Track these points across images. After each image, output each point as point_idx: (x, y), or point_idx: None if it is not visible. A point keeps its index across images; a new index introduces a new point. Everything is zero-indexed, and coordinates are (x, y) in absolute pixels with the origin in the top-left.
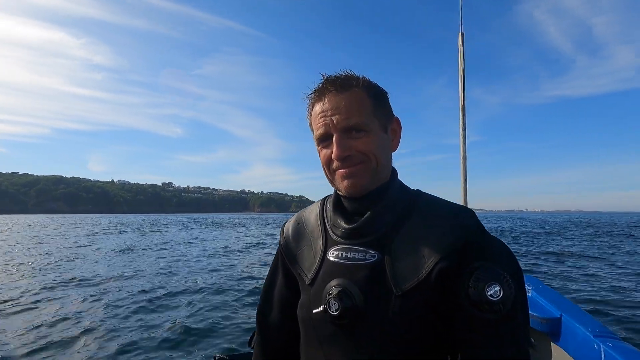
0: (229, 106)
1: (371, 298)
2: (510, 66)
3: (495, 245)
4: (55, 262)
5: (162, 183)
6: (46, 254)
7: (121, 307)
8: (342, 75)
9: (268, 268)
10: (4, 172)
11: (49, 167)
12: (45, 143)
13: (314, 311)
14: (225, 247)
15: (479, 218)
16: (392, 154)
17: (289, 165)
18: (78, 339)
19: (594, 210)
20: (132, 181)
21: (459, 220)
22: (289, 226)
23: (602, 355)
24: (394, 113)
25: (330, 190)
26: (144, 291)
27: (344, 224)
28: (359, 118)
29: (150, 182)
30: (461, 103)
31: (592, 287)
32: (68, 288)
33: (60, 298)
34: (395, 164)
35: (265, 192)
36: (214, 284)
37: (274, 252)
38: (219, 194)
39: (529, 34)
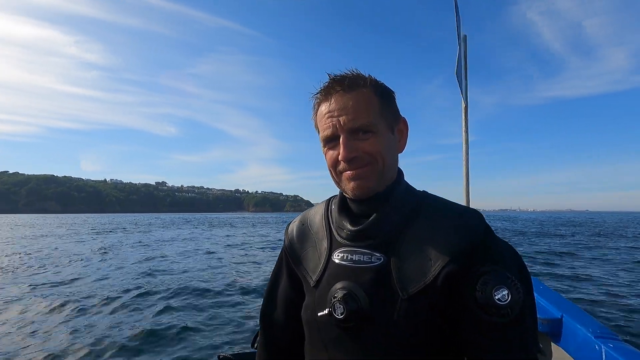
0: (224, 105)
1: (377, 301)
2: (505, 67)
3: (503, 247)
4: (26, 264)
5: (155, 182)
6: (20, 254)
7: (93, 309)
8: (348, 74)
9: (254, 267)
10: None
11: (41, 166)
12: (37, 142)
13: (319, 314)
14: (209, 247)
15: None
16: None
17: (284, 164)
18: (60, 342)
19: (585, 209)
20: (125, 180)
21: (466, 222)
22: (294, 227)
23: (603, 356)
24: (400, 113)
25: (327, 190)
26: (126, 291)
27: (349, 226)
28: (367, 119)
29: (143, 182)
30: (464, 104)
31: (588, 287)
32: (42, 290)
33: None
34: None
35: (259, 192)
36: (196, 283)
37: (258, 251)
38: (213, 194)
39: (523, 35)
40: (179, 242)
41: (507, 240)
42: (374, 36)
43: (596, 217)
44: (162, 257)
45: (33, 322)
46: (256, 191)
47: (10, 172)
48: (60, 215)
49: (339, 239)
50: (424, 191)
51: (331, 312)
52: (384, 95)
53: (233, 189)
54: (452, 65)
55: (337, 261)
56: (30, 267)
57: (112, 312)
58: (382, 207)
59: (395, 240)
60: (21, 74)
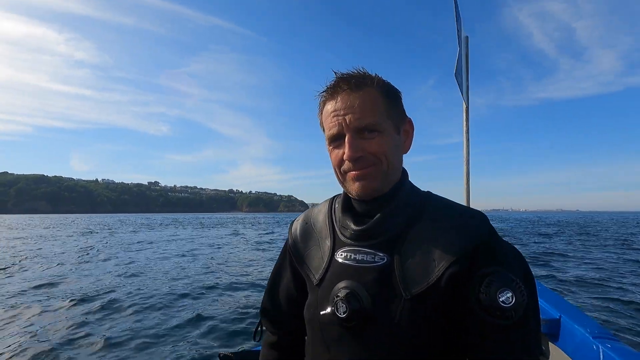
0: (216, 105)
1: (379, 301)
2: (497, 68)
3: (507, 249)
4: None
5: (148, 182)
6: None
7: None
8: (355, 73)
9: (236, 267)
10: None
11: (30, 166)
12: (27, 141)
13: (322, 313)
14: (194, 248)
15: None
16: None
17: (277, 164)
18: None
19: (575, 209)
20: (117, 180)
21: (470, 223)
22: (297, 226)
23: (601, 356)
24: (406, 114)
25: (321, 190)
26: (95, 294)
27: (353, 225)
28: (373, 118)
29: (136, 182)
30: (464, 107)
31: (584, 287)
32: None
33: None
34: None
35: (253, 192)
36: (179, 285)
37: (239, 251)
38: (206, 194)
39: (514, 37)
40: (161, 242)
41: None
42: (367, 37)
43: (587, 217)
44: (138, 259)
45: None
46: (250, 191)
47: None
48: (50, 216)
49: (342, 238)
50: (428, 191)
51: (334, 311)
52: (391, 95)
53: (227, 189)
54: (444, 67)
55: (340, 260)
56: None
57: (84, 315)
58: (386, 207)
59: (399, 240)
60: (10, 72)
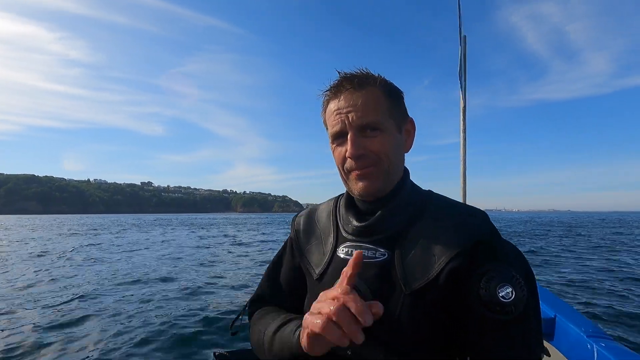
0: (211, 105)
1: (380, 296)
2: (491, 70)
3: (508, 248)
4: None
5: (141, 183)
6: None
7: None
8: (358, 73)
9: (231, 266)
10: None
11: (21, 165)
12: (17, 141)
13: None
14: (183, 248)
15: None
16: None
17: (272, 164)
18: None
19: (567, 210)
20: (110, 180)
21: (471, 222)
22: (300, 220)
23: (595, 355)
24: (408, 114)
25: (317, 191)
26: (81, 297)
27: (355, 222)
28: (375, 117)
29: (128, 182)
30: (462, 105)
31: (581, 287)
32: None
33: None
34: None
35: (248, 192)
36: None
37: (231, 251)
38: (200, 194)
39: (508, 39)
40: (142, 244)
41: None
42: (364, 37)
43: (578, 217)
44: (124, 260)
45: None
46: (244, 191)
47: None
48: (39, 216)
49: (344, 234)
50: (429, 190)
51: None
52: (393, 95)
53: (221, 189)
54: (439, 68)
55: (342, 256)
56: None
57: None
58: (388, 205)
59: (400, 237)
60: (1, 71)
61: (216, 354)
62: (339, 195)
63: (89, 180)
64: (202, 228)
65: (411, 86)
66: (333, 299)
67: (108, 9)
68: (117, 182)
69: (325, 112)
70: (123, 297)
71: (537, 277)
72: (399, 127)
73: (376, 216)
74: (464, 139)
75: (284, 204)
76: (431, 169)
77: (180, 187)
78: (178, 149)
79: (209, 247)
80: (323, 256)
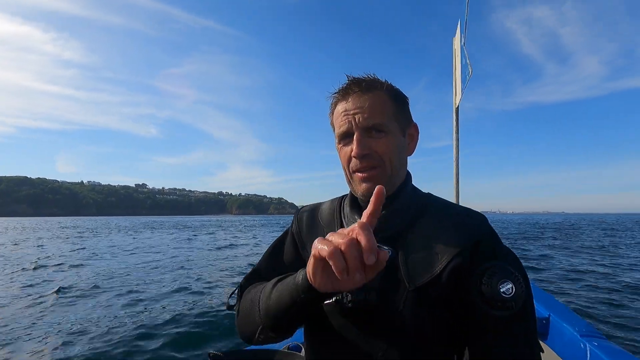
0: (207, 106)
1: (384, 292)
2: (485, 72)
3: (506, 250)
4: None
5: (135, 184)
6: None
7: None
8: (366, 77)
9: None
10: None
11: (14, 167)
12: (9, 142)
13: (325, 302)
14: (179, 249)
15: None
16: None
17: (268, 166)
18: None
19: (561, 211)
20: (104, 182)
21: (470, 222)
22: (303, 215)
23: (588, 354)
24: (413, 119)
25: (312, 193)
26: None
27: (359, 220)
28: (381, 119)
29: (122, 184)
30: (455, 105)
31: (575, 287)
32: None
33: None
34: None
35: (243, 194)
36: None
37: (228, 252)
38: (195, 196)
39: (502, 42)
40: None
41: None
42: (359, 39)
43: (571, 218)
44: (115, 258)
45: None
46: (240, 193)
47: None
48: (29, 219)
49: None
50: (428, 193)
51: (338, 300)
52: (398, 100)
53: (216, 192)
54: (435, 70)
55: None
56: None
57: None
58: (391, 205)
59: (403, 235)
60: None
61: (211, 354)
62: (343, 196)
63: (82, 182)
64: (194, 230)
65: (408, 88)
66: (348, 233)
67: (103, 9)
68: (111, 184)
69: (333, 113)
70: (112, 299)
71: (530, 277)
72: (403, 131)
73: (380, 216)
74: (457, 140)
75: (280, 206)
76: (427, 170)
77: (175, 189)
78: (173, 150)
79: (201, 249)
80: None
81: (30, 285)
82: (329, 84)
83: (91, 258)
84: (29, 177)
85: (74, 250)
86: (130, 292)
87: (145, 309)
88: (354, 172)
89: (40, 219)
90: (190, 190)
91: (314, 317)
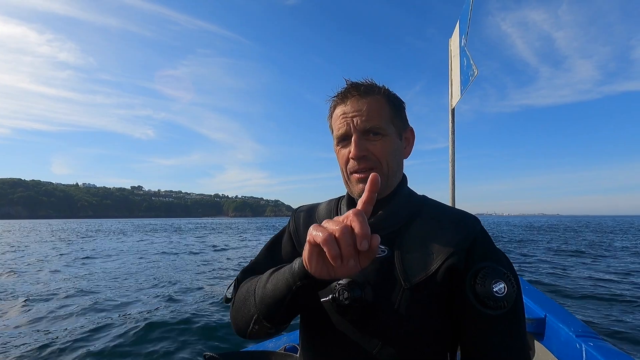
0: (203, 108)
1: (380, 290)
2: (480, 75)
3: (498, 251)
4: None
5: (131, 187)
6: None
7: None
8: (364, 82)
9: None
10: None
11: (8, 169)
12: (4, 144)
13: (322, 300)
14: (174, 251)
15: None
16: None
17: (264, 169)
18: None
19: (556, 213)
20: (99, 184)
21: (465, 223)
22: (301, 214)
23: (584, 355)
24: (409, 123)
25: (309, 195)
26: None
27: None
28: (378, 122)
29: (118, 186)
30: (451, 107)
31: (570, 288)
32: None
33: None
34: None
35: (239, 196)
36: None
37: (224, 253)
38: (191, 198)
39: (497, 46)
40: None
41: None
42: (356, 43)
43: (566, 220)
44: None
45: None
46: (236, 196)
47: None
48: (22, 221)
49: None
50: (423, 195)
51: (334, 298)
52: (395, 104)
53: (212, 194)
54: (430, 74)
55: None
56: None
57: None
58: (387, 206)
59: (399, 235)
60: None
61: (206, 356)
62: (340, 197)
63: (77, 184)
64: (188, 232)
65: (403, 92)
66: (342, 220)
67: (99, 11)
68: (106, 186)
69: (331, 116)
70: (105, 300)
71: (527, 278)
72: (399, 134)
73: (377, 216)
74: (453, 142)
75: (276, 208)
76: (422, 174)
77: (171, 191)
78: (169, 152)
79: (196, 253)
80: None
81: None
82: (325, 87)
83: (70, 265)
84: (23, 179)
85: (56, 256)
86: (106, 300)
87: (142, 310)
88: (352, 173)
89: (33, 221)
90: (186, 193)
91: (309, 314)
